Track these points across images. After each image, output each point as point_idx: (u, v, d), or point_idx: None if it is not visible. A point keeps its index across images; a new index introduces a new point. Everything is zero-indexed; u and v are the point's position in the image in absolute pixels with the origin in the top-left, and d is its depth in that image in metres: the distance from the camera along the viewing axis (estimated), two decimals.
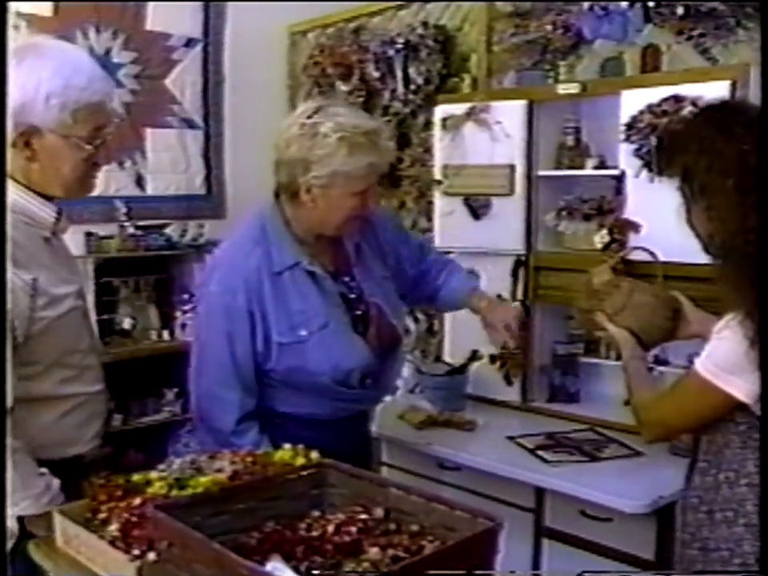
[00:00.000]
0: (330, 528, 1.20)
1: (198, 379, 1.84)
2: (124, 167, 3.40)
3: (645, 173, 2.32)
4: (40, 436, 1.58)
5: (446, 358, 2.89)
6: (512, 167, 2.64)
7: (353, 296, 1.90)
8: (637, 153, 2.33)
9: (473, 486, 2.33)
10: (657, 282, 2.07)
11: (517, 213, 2.66)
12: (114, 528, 1.27)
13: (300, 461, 1.40)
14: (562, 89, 2.58)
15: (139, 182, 3.47)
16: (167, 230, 3.41)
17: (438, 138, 2.85)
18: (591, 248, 2.49)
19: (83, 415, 1.69)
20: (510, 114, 2.64)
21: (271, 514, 1.25)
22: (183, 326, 3.33)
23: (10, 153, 1.53)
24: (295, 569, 1.09)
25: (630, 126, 2.34)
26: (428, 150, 3.12)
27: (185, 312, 3.30)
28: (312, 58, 3.67)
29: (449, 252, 2.84)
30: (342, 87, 3.47)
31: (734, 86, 2.16)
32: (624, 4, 2.59)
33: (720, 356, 1.46)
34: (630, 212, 2.38)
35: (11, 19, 2.86)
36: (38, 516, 1.46)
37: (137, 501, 1.30)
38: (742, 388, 1.44)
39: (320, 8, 3.60)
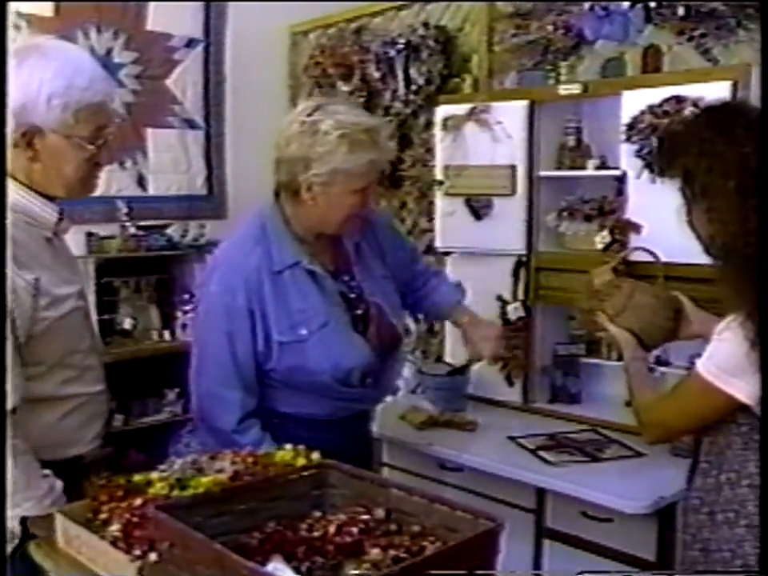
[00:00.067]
0: (331, 528, 1.20)
1: (199, 379, 1.84)
2: (125, 167, 3.40)
3: (646, 173, 2.32)
4: (41, 437, 1.58)
5: (447, 358, 2.89)
6: (513, 168, 2.64)
7: (353, 295, 1.90)
8: (638, 153, 2.33)
9: (474, 487, 2.34)
10: (658, 282, 2.07)
11: (518, 213, 2.65)
12: (115, 528, 1.27)
13: (301, 461, 1.39)
14: (563, 89, 2.58)
15: (140, 182, 3.47)
16: (168, 231, 3.41)
17: (439, 139, 2.85)
18: (592, 249, 2.48)
19: (84, 416, 1.69)
20: (511, 114, 2.64)
21: (272, 515, 1.25)
22: (184, 326, 3.32)
23: (12, 153, 1.53)
24: (296, 569, 1.10)
25: (631, 127, 2.34)
26: (429, 151, 3.12)
27: (186, 312, 3.29)
28: (313, 59, 3.66)
29: (450, 252, 2.86)
30: (343, 87, 3.47)
31: (735, 86, 2.16)
32: (625, 4, 2.59)
33: (721, 357, 1.46)
34: (631, 213, 2.38)
35: (12, 19, 2.86)
36: (41, 517, 1.46)
37: (138, 501, 1.30)
38: (743, 389, 1.44)
39: (321, 8, 3.60)
